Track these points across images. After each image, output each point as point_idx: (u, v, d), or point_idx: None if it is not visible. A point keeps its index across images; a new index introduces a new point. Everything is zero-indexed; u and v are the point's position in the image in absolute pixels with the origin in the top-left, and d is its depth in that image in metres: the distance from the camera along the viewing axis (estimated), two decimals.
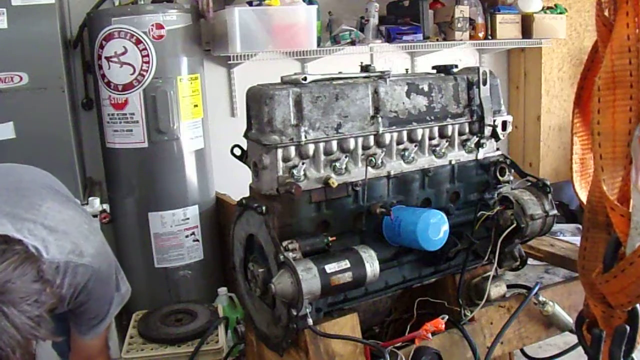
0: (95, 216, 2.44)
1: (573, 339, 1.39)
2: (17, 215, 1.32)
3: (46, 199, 1.46)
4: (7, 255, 1.08)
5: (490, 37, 3.62)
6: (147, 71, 2.53)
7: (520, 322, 1.51)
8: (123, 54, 2.52)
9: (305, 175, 1.32)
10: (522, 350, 1.79)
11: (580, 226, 1.24)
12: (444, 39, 3.48)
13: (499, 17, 3.59)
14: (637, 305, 1.11)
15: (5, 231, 1.21)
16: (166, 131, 2.61)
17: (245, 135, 1.38)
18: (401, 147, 1.45)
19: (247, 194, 1.43)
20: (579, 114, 1.30)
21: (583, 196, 1.28)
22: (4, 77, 2.38)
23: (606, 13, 1.07)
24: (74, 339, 1.56)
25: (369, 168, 1.39)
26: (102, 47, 2.54)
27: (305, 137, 1.30)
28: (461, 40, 3.45)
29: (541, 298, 1.51)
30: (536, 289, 1.51)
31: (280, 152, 1.29)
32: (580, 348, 1.32)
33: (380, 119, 1.39)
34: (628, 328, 1.12)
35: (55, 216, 1.40)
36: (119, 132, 2.61)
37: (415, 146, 1.46)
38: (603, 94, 1.04)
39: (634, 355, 1.16)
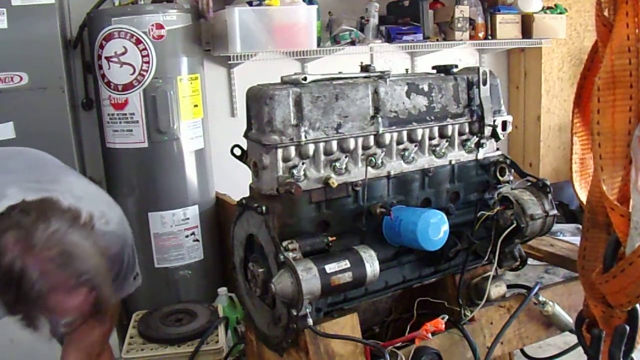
0: None
1: (573, 339, 1.39)
2: (44, 189, 1.34)
3: (68, 174, 1.55)
4: (56, 205, 1.21)
5: (490, 37, 3.62)
6: (147, 71, 2.53)
7: (520, 322, 1.51)
8: (123, 54, 2.52)
9: (305, 175, 1.32)
10: (522, 350, 1.79)
11: (580, 226, 1.24)
12: (444, 39, 3.48)
13: (499, 17, 3.59)
14: (637, 305, 1.11)
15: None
16: (166, 131, 2.61)
17: (245, 135, 1.38)
18: (401, 147, 1.45)
19: (247, 194, 1.43)
20: (579, 114, 1.30)
21: (583, 196, 1.28)
22: (4, 77, 2.38)
23: (606, 13, 1.07)
24: None
25: (369, 168, 1.39)
26: (102, 47, 2.54)
27: (305, 137, 1.30)
28: (461, 40, 3.45)
29: (541, 298, 1.51)
30: (536, 289, 1.51)
31: (280, 152, 1.29)
32: (580, 348, 1.32)
33: (380, 119, 1.39)
34: (628, 328, 1.12)
35: (80, 187, 1.46)
36: (119, 132, 2.61)
37: (415, 146, 1.46)
38: (603, 94, 1.04)
39: (633, 355, 1.16)
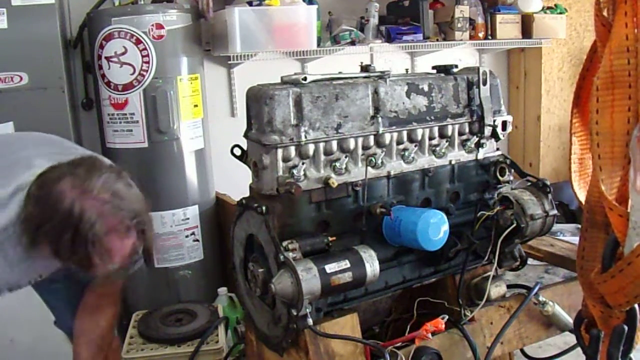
0: None
1: (573, 339, 1.38)
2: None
3: (80, 148, 1.61)
4: (100, 160, 1.35)
5: (490, 37, 3.62)
6: (147, 71, 2.53)
7: (520, 322, 1.52)
8: (123, 54, 2.52)
9: (305, 175, 1.32)
10: (522, 350, 1.79)
11: (580, 226, 1.24)
12: (444, 39, 3.48)
13: (499, 17, 3.59)
14: (636, 305, 1.11)
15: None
16: (166, 131, 2.61)
17: (245, 135, 1.38)
18: (401, 147, 1.45)
19: (247, 194, 1.43)
20: (578, 114, 1.30)
21: (582, 196, 1.28)
22: (4, 77, 2.38)
23: (605, 13, 1.07)
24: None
25: (369, 168, 1.39)
26: (102, 47, 2.54)
27: (305, 137, 1.30)
28: (461, 40, 3.45)
29: (541, 298, 1.51)
30: (536, 289, 1.51)
31: (280, 152, 1.29)
32: (579, 348, 1.32)
33: (380, 119, 1.39)
34: (626, 328, 1.12)
35: (100, 157, 1.49)
36: (119, 132, 2.61)
37: (415, 146, 1.46)
38: (601, 94, 1.04)
39: (632, 355, 1.16)
